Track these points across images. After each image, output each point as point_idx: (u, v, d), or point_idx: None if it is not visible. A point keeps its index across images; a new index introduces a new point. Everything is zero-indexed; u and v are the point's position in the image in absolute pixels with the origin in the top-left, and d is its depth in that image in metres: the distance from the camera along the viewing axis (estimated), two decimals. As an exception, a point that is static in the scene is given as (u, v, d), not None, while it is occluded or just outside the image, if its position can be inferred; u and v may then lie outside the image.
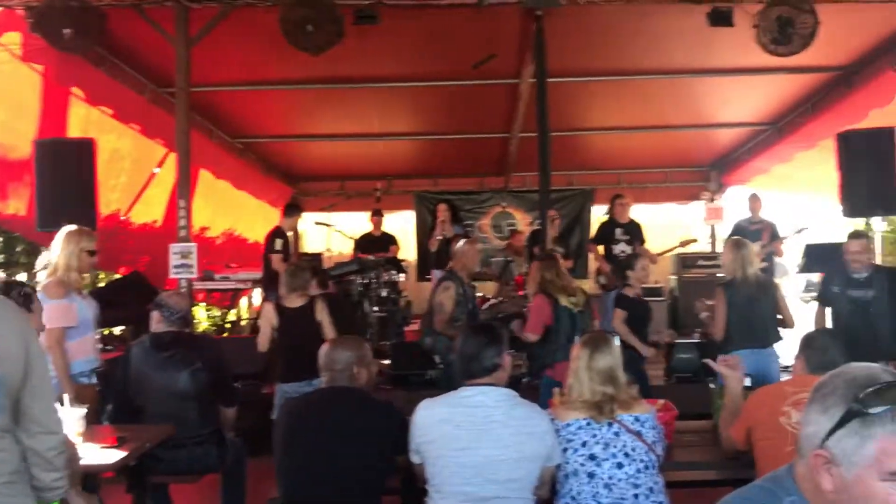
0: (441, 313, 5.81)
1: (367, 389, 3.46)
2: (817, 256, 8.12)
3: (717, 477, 3.89)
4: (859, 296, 5.42)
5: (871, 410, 1.33)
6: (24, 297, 3.50)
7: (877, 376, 1.38)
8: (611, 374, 3.19)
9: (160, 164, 8.36)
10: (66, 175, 6.08)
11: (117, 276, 8.70)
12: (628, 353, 5.16)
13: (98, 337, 4.85)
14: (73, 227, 4.66)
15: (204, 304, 10.92)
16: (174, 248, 6.48)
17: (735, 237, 5.87)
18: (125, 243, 8.14)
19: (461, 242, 6.14)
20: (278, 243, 7.99)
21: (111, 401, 4.54)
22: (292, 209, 8.64)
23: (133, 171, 8.03)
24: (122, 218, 7.95)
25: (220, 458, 4.38)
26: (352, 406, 3.32)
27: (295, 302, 5.45)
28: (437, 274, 9.62)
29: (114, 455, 3.51)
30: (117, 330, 8.07)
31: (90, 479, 3.54)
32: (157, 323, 4.42)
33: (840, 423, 1.36)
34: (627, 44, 7.73)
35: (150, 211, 8.50)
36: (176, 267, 6.46)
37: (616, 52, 7.92)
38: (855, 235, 5.62)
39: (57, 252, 4.51)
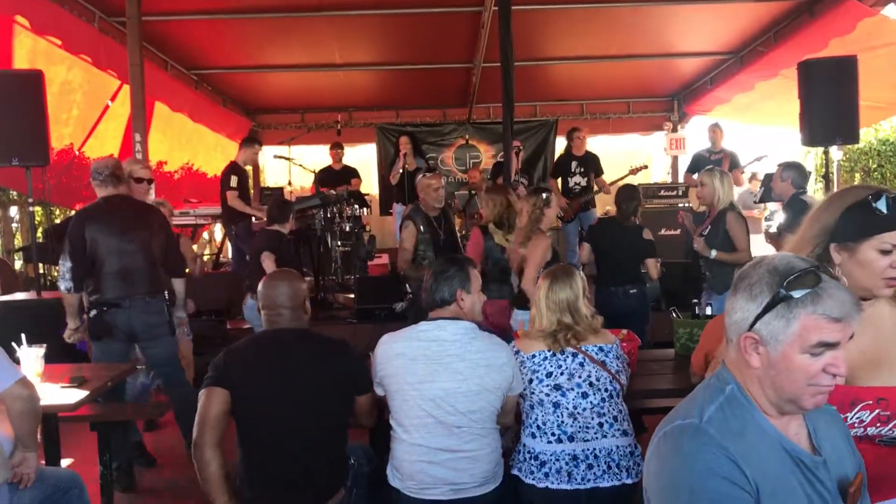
0: (403, 252, 5.77)
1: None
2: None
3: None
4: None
5: (794, 294, 1.53)
6: None
7: (794, 265, 1.58)
8: (569, 305, 3.21)
9: (113, 97, 8.10)
10: (14, 108, 5.91)
11: (73, 211, 8.51)
12: None
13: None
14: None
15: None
16: (131, 182, 6.32)
17: (710, 167, 5.88)
18: (80, 178, 7.93)
19: (420, 176, 5.99)
20: (233, 180, 7.81)
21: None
22: (249, 142, 8.37)
23: (85, 105, 7.77)
24: (77, 153, 7.72)
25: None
26: (309, 349, 3.06)
27: None
28: (398, 208, 9.59)
29: (74, 395, 3.47)
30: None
31: (50, 418, 3.51)
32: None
33: (767, 308, 1.56)
34: (591, -30, 7.59)
35: (105, 145, 8.25)
36: (133, 202, 6.32)
37: (580, -21, 7.78)
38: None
39: None
